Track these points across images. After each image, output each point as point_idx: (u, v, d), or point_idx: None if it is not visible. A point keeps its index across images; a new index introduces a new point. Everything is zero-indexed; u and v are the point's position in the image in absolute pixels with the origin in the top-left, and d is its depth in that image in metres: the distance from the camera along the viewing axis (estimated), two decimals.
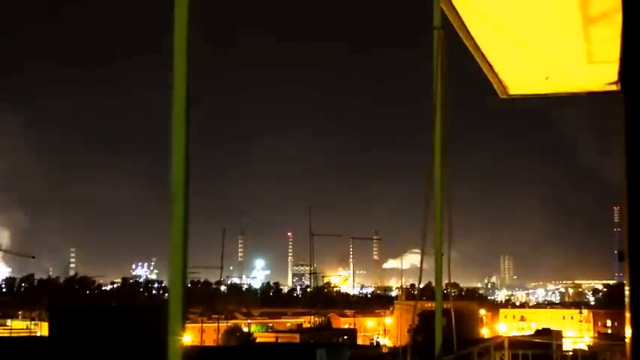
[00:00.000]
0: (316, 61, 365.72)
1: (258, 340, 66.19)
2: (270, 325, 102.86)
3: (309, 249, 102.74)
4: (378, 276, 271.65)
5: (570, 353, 30.55)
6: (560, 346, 30.91)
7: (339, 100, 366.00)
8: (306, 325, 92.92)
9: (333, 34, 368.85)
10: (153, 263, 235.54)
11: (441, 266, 9.30)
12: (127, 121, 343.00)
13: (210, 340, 75.67)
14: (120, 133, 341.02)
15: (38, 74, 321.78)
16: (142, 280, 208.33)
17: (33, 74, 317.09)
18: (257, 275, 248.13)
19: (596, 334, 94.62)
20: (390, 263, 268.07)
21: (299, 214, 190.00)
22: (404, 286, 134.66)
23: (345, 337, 73.61)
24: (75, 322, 31.48)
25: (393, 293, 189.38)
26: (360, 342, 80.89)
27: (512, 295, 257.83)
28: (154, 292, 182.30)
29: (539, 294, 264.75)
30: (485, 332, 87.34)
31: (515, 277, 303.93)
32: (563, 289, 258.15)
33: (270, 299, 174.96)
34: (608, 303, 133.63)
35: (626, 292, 4.65)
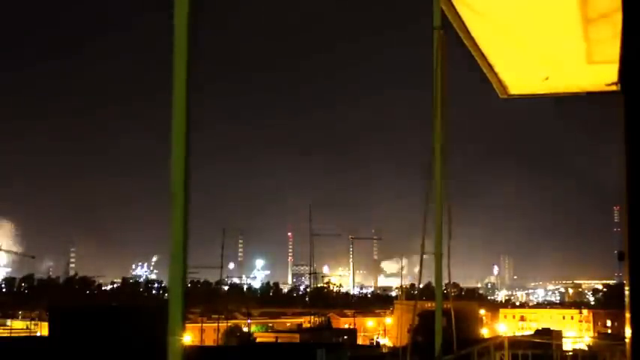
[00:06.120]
0: (314, 61, 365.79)
1: (258, 340, 66.19)
2: (270, 325, 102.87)
3: (308, 249, 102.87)
4: (377, 276, 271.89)
5: (570, 353, 30.57)
6: (560, 346, 30.91)
7: (338, 99, 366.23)
8: (306, 325, 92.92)
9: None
10: (153, 263, 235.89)
11: (440, 266, 9.31)
12: (128, 119, 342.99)
13: (210, 340, 75.71)
14: (120, 133, 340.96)
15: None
16: (141, 280, 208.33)
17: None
18: (257, 275, 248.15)
19: (596, 334, 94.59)
20: (386, 265, 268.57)
21: (299, 214, 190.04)
22: (404, 286, 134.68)
23: (345, 337, 73.64)
24: (75, 322, 31.48)
25: (393, 293, 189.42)
26: (360, 342, 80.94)
27: (512, 295, 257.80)
28: (154, 292, 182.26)
29: (539, 294, 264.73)
30: (485, 332, 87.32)
31: (515, 277, 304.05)
32: (563, 289, 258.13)
33: (270, 299, 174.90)
34: (608, 303, 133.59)
35: (626, 292, 4.65)
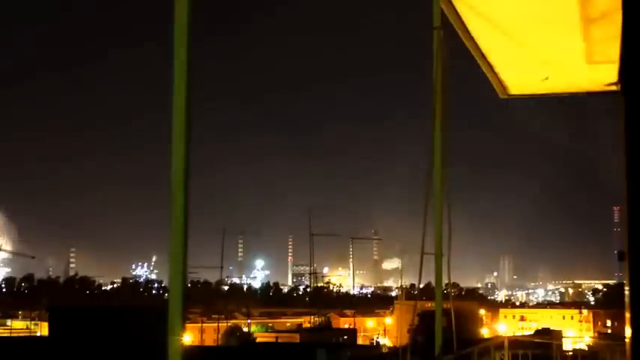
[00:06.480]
0: (314, 62, 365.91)
1: (258, 340, 66.11)
2: (270, 325, 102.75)
3: (308, 249, 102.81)
4: (377, 276, 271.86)
5: (570, 353, 30.57)
6: (560, 346, 30.87)
7: (338, 100, 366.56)
8: (306, 325, 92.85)
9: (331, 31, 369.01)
10: (153, 263, 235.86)
11: (440, 266, 9.31)
12: (128, 120, 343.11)
13: (210, 340, 75.63)
14: (120, 133, 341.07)
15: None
16: (142, 280, 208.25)
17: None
18: (257, 275, 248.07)
19: (596, 334, 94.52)
20: (387, 264, 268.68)
21: (299, 214, 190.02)
22: (404, 286, 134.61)
23: (345, 337, 73.55)
24: (75, 322, 31.50)
25: (393, 293, 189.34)
26: (360, 342, 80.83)
27: (512, 295, 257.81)
28: (154, 292, 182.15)
29: (539, 294, 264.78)
30: (485, 332, 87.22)
31: (515, 277, 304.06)
32: (563, 289, 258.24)
33: (270, 299, 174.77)
34: (608, 303, 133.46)
35: (626, 292, 4.65)
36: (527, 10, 7.39)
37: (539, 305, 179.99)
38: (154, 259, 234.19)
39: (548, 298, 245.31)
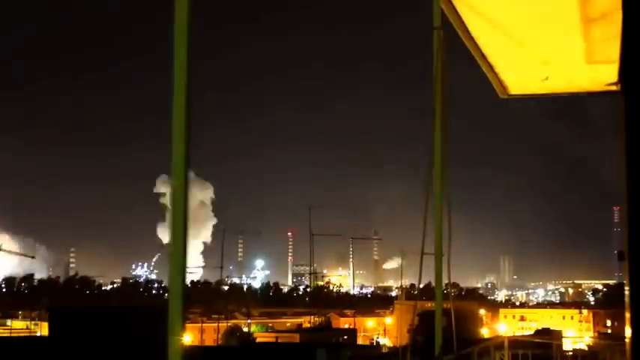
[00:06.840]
0: (315, 61, 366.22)
1: (258, 340, 66.16)
2: (270, 325, 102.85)
3: (308, 249, 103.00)
4: (377, 276, 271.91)
5: (570, 353, 30.60)
6: (560, 346, 30.88)
7: (338, 100, 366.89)
8: (306, 325, 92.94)
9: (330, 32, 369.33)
10: (153, 263, 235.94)
11: (440, 266, 9.31)
12: (128, 120, 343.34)
13: (210, 340, 75.74)
14: (120, 132, 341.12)
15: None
16: (142, 280, 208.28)
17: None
18: (257, 275, 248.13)
19: (596, 334, 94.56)
20: (387, 264, 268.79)
21: (299, 214, 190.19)
22: (404, 286, 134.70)
23: (345, 337, 73.64)
24: (75, 322, 31.51)
25: (393, 293, 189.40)
26: (360, 342, 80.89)
27: (512, 295, 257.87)
28: (154, 292, 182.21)
29: (539, 294, 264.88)
30: (485, 332, 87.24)
31: (515, 277, 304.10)
32: (563, 289, 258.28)
33: (270, 299, 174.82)
34: (608, 303, 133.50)
35: (626, 292, 4.66)
36: (527, 10, 7.39)
37: (539, 305, 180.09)
38: (154, 259, 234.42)
39: (548, 298, 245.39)
